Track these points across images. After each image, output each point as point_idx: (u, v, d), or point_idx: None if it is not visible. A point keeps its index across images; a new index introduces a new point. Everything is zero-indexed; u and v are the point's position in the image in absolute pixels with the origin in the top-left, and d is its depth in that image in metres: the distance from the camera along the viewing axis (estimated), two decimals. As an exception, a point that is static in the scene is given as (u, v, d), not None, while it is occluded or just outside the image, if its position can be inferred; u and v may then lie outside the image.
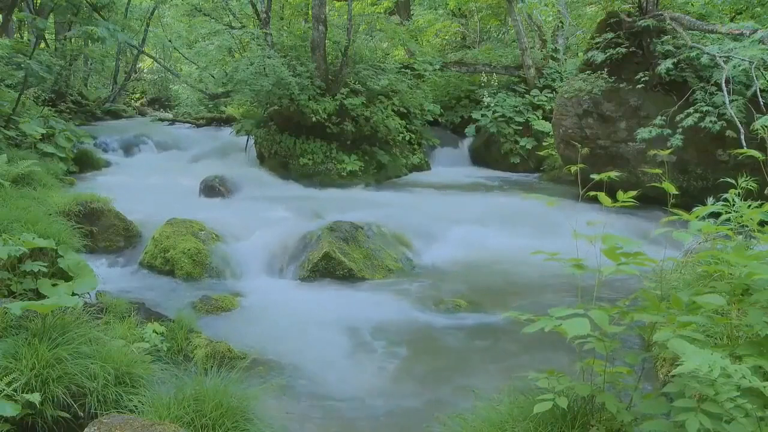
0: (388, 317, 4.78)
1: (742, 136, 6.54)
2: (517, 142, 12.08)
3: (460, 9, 16.21)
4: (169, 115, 16.80)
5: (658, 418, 2.15)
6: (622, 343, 2.50)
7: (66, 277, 4.07)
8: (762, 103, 6.68)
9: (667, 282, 3.23)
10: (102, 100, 17.15)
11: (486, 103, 12.43)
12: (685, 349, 1.90)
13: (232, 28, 12.36)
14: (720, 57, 7.16)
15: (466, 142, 12.99)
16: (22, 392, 2.54)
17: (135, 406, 2.67)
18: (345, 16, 11.39)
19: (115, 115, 16.99)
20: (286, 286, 5.64)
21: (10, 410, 2.42)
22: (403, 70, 11.88)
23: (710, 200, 3.66)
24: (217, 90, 13.73)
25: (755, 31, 7.08)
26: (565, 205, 6.57)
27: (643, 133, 7.79)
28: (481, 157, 12.63)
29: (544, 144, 11.52)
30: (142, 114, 18.96)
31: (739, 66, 7.00)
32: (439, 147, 12.77)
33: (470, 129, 12.67)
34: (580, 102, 8.78)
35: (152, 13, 17.16)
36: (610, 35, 8.58)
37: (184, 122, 14.87)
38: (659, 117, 7.77)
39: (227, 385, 2.75)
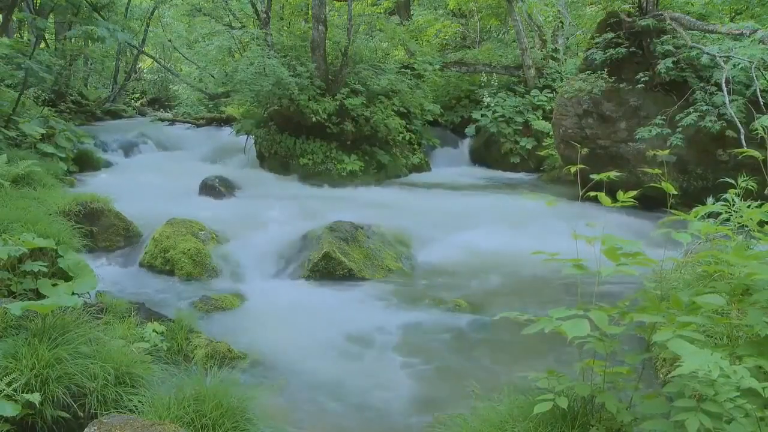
0: (388, 317, 4.78)
1: (742, 136, 6.54)
2: (517, 142, 12.08)
3: (460, 9, 16.19)
4: (169, 115, 16.79)
5: (658, 418, 2.15)
6: (622, 343, 2.50)
7: (66, 277, 4.07)
8: (762, 103, 6.69)
9: (667, 282, 3.23)
10: (102, 100, 17.14)
11: (486, 103, 12.43)
12: (685, 350, 1.90)
13: (232, 28, 12.37)
14: (720, 57, 7.17)
15: (466, 142, 12.99)
16: (22, 392, 2.54)
17: (135, 406, 2.67)
18: (345, 16, 11.39)
19: (115, 115, 16.97)
20: (286, 286, 5.64)
21: (10, 410, 2.42)
22: (403, 70, 11.87)
23: (710, 200, 3.67)
24: (217, 90, 13.73)
25: (755, 31, 7.08)
26: (565, 205, 6.58)
27: (643, 132, 7.79)
28: (481, 157, 12.63)
29: (544, 144, 11.52)
30: (142, 114, 18.93)
31: (739, 66, 7.01)
32: (439, 147, 12.76)
33: (470, 129, 12.68)
34: (580, 102, 8.79)
35: (152, 13, 17.15)
36: (610, 35, 8.58)
37: (184, 122, 14.86)
38: (659, 117, 7.78)
39: (227, 385, 2.75)
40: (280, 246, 6.16)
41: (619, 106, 8.53)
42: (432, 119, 12.65)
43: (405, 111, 11.54)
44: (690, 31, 8.05)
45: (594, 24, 9.96)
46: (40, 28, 9.54)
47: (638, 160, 8.15)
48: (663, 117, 7.77)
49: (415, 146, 12.05)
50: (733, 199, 3.41)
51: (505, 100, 12.39)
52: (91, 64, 18.03)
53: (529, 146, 11.96)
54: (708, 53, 7.39)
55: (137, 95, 22.33)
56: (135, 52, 17.68)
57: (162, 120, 15.37)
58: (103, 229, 6.10)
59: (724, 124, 7.16)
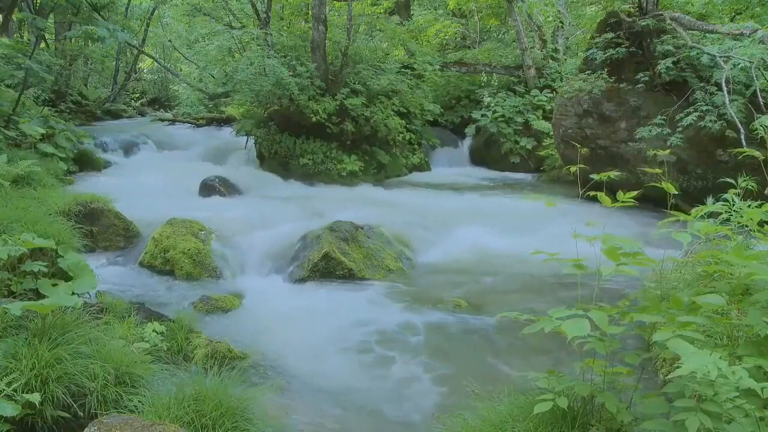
0: (388, 317, 4.78)
1: (742, 136, 6.55)
2: (517, 142, 12.09)
3: (460, 9, 16.20)
4: (169, 115, 16.77)
5: (658, 418, 2.15)
6: (622, 343, 2.50)
7: (66, 277, 4.07)
8: (762, 103, 6.69)
9: (667, 282, 3.23)
10: (102, 100, 17.15)
11: (486, 103, 12.44)
12: (685, 350, 1.90)
13: (232, 28, 12.36)
14: (720, 57, 7.17)
15: (466, 142, 13.00)
16: (22, 392, 2.54)
17: (135, 406, 2.67)
18: (345, 16, 11.39)
19: (115, 115, 16.99)
20: (286, 286, 5.64)
21: (10, 410, 2.42)
22: (403, 70, 11.88)
23: (710, 200, 3.67)
24: (217, 90, 13.72)
25: (755, 31, 7.08)
26: (565, 205, 6.57)
27: (643, 132, 7.80)
28: (481, 157, 12.63)
29: (544, 144, 11.53)
30: (142, 114, 18.95)
31: (739, 66, 7.01)
32: (439, 147, 12.77)
33: (470, 129, 12.68)
34: (580, 102, 8.79)
35: (152, 13, 17.17)
36: (610, 35, 8.59)
37: (184, 122, 14.85)
38: (659, 117, 7.78)
39: (227, 385, 2.75)
40: (280, 246, 6.16)
41: (619, 106, 8.53)
42: (432, 119, 12.66)
43: (405, 111, 11.55)
44: (690, 31, 8.05)
45: (594, 24, 9.97)
46: (40, 28, 9.53)
47: (638, 160, 8.15)
48: (663, 117, 7.77)
49: (415, 146, 12.06)
50: (733, 199, 3.41)
51: (505, 100, 12.39)
52: (91, 64, 18.04)
53: (529, 146, 11.97)
54: (708, 53, 7.39)
55: (137, 95, 22.33)
56: (135, 52, 17.68)
57: (162, 120, 15.36)
58: (103, 229, 6.10)
59: (724, 124, 7.16)
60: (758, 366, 2.00)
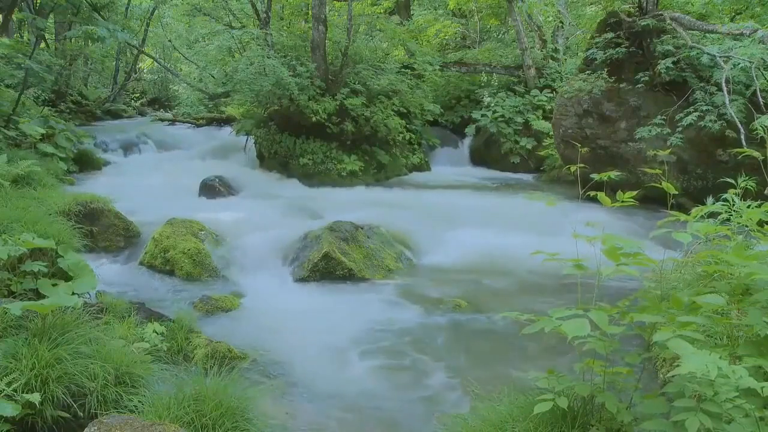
0: (388, 317, 4.78)
1: (742, 136, 6.55)
2: (517, 142, 12.09)
3: (460, 9, 16.20)
4: (169, 115, 16.77)
5: (658, 418, 2.15)
6: (621, 343, 2.50)
7: (66, 277, 4.07)
8: (762, 103, 6.70)
9: (667, 282, 3.23)
10: (102, 100, 17.15)
11: (486, 103, 12.44)
12: (685, 350, 1.90)
13: (232, 28, 12.36)
14: (720, 57, 7.18)
15: (466, 142, 13.00)
16: (22, 392, 2.54)
17: (135, 406, 2.67)
18: (345, 16, 11.39)
19: (115, 115, 16.99)
20: (287, 286, 5.64)
21: (10, 410, 2.42)
22: (403, 70, 11.89)
23: (710, 200, 3.67)
24: (217, 90, 13.72)
25: (755, 31, 7.09)
26: (566, 205, 6.59)
27: (643, 132, 7.81)
28: (481, 157, 12.64)
29: (544, 144, 11.53)
30: (142, 114, 18.95)
31: (739, 66, 7.01)
32: (439, 147, 12.78)
33: (470, 129, 12.69)
34: (580, 102, 8.79)
35: (152, 13, 17.16)
36: (610, 35, 8.59)
37: (184, 122, 14.85)
38: (659, 117, 7.79)
39: (227, 385, 2.75)
40: (280, 246, 6.16)
41: (619, 106, 8.53)
42: (432, 119, 12.66)
43: (405, 111, 11.55)
44: (690, 31, 8.06)
45: (594, 24, 9.97)
46: (40, 28, 9.53)
47: (638, 160, 8.15)
48: (663, 117, 7.78)
49: (415, 146, 12.07)
50: (732, 199, 3.41)
51: (504, 100, 12.40)
52: (91, 64, 18.05)
53: (529, 146, 11.97)
54: (708, 53, 7.40)
55: (137, 95, 22.33)
56: (135, 52, 17.68)
57: (162, 120, 15.36)
58: (103, 229, 6.10)
59: (724, 124, 7.16)
60: (758, 366, 2.00)
